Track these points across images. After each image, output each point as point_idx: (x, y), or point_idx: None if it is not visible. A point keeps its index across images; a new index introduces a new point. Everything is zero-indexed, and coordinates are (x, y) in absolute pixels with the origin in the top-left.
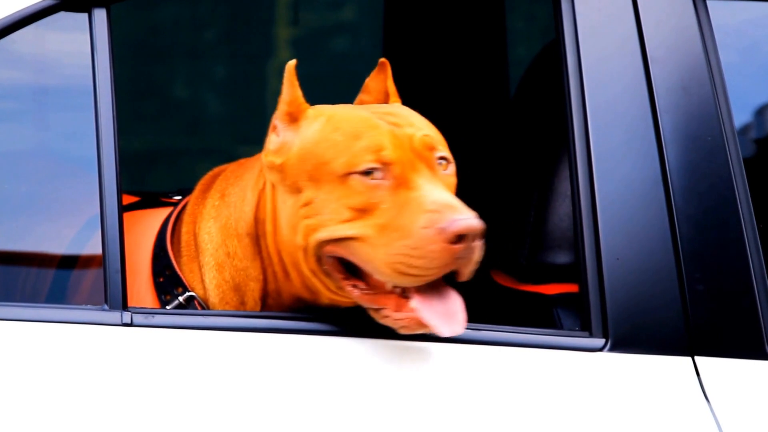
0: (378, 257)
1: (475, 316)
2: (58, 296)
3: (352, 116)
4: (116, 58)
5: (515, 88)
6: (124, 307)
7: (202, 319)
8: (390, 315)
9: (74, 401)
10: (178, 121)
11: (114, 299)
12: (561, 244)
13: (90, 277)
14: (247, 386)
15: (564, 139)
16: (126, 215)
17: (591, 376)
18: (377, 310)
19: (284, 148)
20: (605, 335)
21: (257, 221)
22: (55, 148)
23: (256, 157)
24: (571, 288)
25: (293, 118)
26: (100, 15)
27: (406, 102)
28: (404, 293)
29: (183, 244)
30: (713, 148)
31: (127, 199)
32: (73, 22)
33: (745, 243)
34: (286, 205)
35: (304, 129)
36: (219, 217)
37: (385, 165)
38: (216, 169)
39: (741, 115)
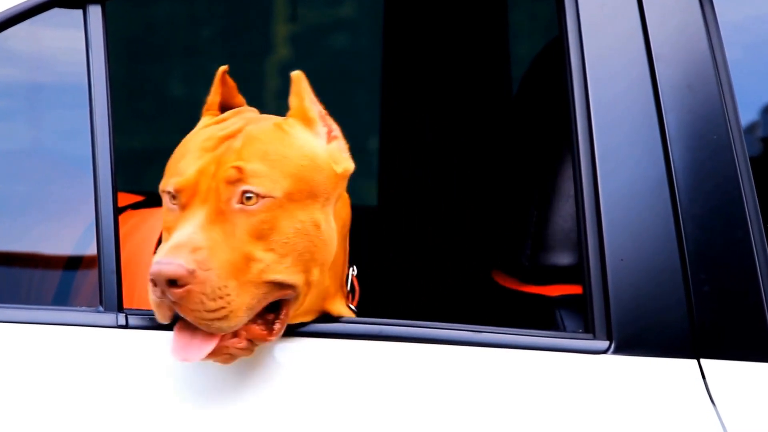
0: None
1: (476, 317)
2: (63, 299)
3: (196, 135)
4: (112, 56)
5: (517, 86)
6: (120, 308)
7: None
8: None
9: (68, 405)
10: (174, 120)
11: (109, 301)
12: (564, 245)
13: (92, 278)
14: (247, 390)
15: (567, 137)
16: (133, 213)
17: (594, 379)
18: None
19: None
20: (609, 337)
21: None
22: (49, 147)
23: None
24: (575, 289)
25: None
26: (95, 11)
27: (407, 100)
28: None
29: None
30: (719, 147)
31: (132, 199)
32: (67, 18)
33: (751, 243)
34: None
35: None
36: None
37: (177, 192)
38: None
39: (747, 114)
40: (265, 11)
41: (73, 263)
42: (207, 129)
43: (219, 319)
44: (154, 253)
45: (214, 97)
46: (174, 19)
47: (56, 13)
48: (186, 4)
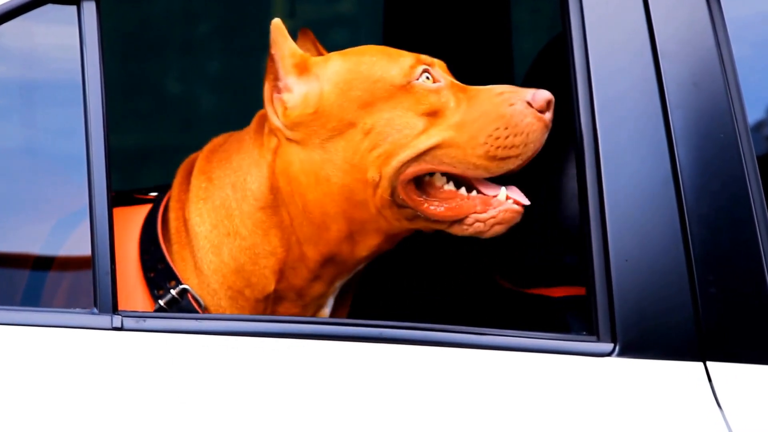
0: (469, 153)
1: (478, 319)
2: (33, 299)
3: (363, 47)
4: (106, 53)
5: (520, 83)
6: (115, 310)
7: (198, 323)
8: (479, 218)
9: (60, 411)
10: (170, 118)
11: (104, 302)
12: (567, 245)
13: (67, 280)
14: (247, 396)
15: (571, 136)
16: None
17: (598, 382)
18: (460, 221)
19: (309, 97)
20: (613, 340)
21: (275, 191)
22: (42, 145)
23: (236, 138)
24: (578, 291)
25: (302, 68)
26: (90, 7)
27: None
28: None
29: (173, 231)
30: (726, 146)
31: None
32: (61, 14)
33: (759, 244)
34: (334, 152)
35: (324, 70)
36: (210, 198)
37: (431, 67)
38: (192, 156)
39: (755, 112)
40: (263, 7)
41: (44, 264)
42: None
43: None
44: (138, 252)
45: (291, 42)
46: (170, 14)
47: (50, 9)
48: (182, 0)
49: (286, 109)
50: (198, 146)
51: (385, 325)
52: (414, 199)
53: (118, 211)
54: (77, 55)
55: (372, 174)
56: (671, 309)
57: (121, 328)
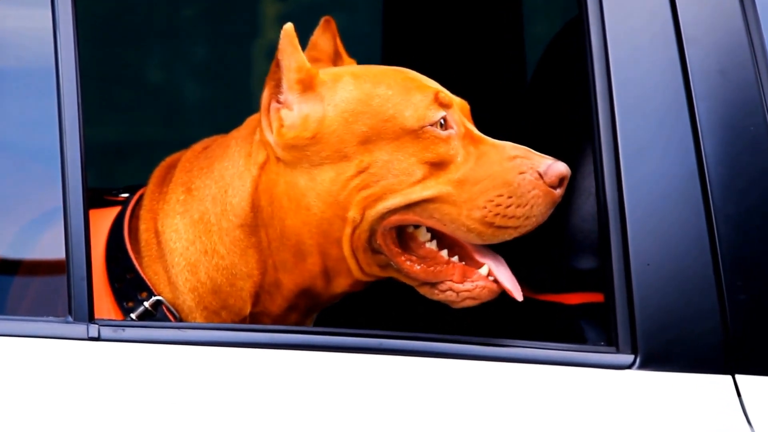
0: (464, 214)
1: (487, 328)
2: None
3: (380, 70)
4: (82, 38)
5: (533, 70)
6: (91, 319)
7: (179, 333)
8: (453, 287)
9: (32, 426)
10: (152, 109)
11: (79, 310)
12: (584, 248)
13: (35, 286)
14: (235, 411)
15: (587, 128)
16: None
17: (618, 396)
18: (434, 285)
19: (309, 120)
20: (634, 350)
21: (255, 209)
22: (11, 139)
23: (220, 143)
24: (596, 297)
25: (307, 86)
26: None
27: None
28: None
29: (143, 244)
30: (755, 139)
31: None
32: None
33: None
34: (320, 181)
35: (332, 93)
36: (188, 213)
37: (448, 110)
38: (168, 160)
39: None
40: None
41: (9, 268)
42: (375, 66)
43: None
44: (104, 259)
45: (301, 55)
46: None
47: None
48: None
49: (281, 126)
50: (181, 140)
51: (386, 335)
52: (391, 248)
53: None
54: (50, 40)
55: (353, 214)
56: (697, 317)
57: (97, 338)
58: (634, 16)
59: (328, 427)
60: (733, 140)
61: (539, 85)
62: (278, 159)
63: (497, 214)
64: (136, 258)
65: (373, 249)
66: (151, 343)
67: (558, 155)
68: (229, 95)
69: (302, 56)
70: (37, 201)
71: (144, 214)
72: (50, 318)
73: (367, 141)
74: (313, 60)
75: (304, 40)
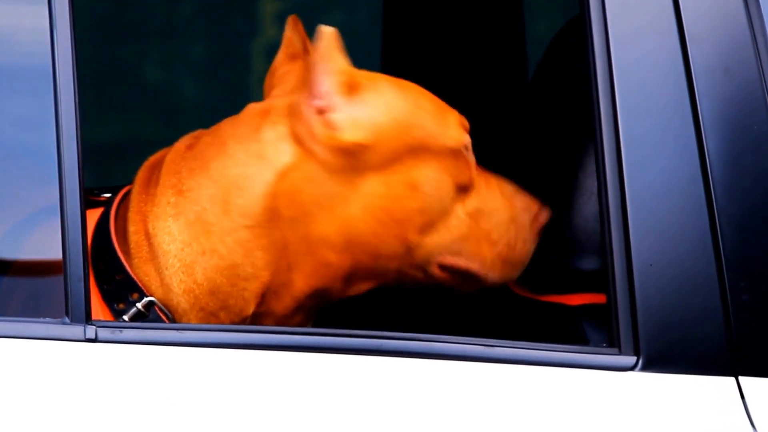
0: (485, 249)
1: (487, 329)
2: None
3: (411, 85)
4: (79, 36)
5: (534, 69)
6: (88, 320)
7: (178, 334)
8: None
9: (28, 428)
10: (150, 108)
11: (76, 311)
12: (586, 248)
13: (23, 285)
14: (234, 413)
15: (589, 127)
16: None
17: (619, 398)
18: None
19: (360, 125)
20: (636, 352)
21: (269, 212)
22: (6, 138)
23: (211, 142)
24: (598, 298)
25: (351, 89)
26: None
27: None
28: None
29: (132, 245)
30: (760, 138)
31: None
32: None
33: None
34: (369, 195)
35: (376, 99)
36: (181, 215)
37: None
38: (151, 159)
39: None
40: None
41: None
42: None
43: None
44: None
45: (343, 56)
46: None
47: None
48: None
49: (331, 129)
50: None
51: (386, 336)
52: (442, 276)
53: None
54: (47, 38)
55: (411, 236)
56: (700, 318)
57: (95, 340)
58: (637, 14)
59: (328, 430)
60: (737, 139)
61: (540, 84)
62: (318, 165)
63: (510, 248)
64: (126, 258)
65: (427, 273)
66: (150, 345)
67: (559, 154)
68: (227, 94)
69: (344, 59)
70: (33, 201)
71: (132, 216)
72: (47, 319)
73: (416, 155)
74: (292, 57)
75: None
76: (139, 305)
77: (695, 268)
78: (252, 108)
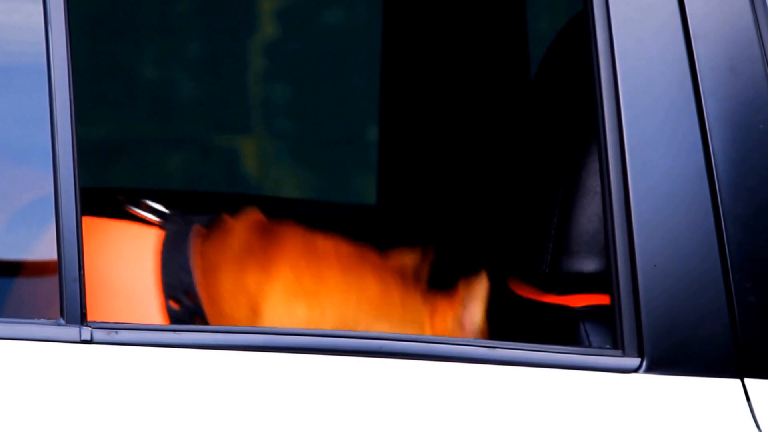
0: None
1: (490, 331)
2: None
3: None
4: (74, 33)
5: (536, 67)
6: (83, 321)
7: (174, 336)
8: None
9: (23, 430)
10: (145, 106)
11: (71, 312)
12: (589, 249)
13: (16, 285)
14: (232, 416)
15: (593, 127)
16: (103, 221)
17: (623, 401)
18: None
19: None
20: (640, 354)
21: None
22: (0, 135)
23: None
24: (601, 299)
25: None
26: None
27: (410, 84)
28: None
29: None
30: (765, 137)
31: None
32: None
33: None
34: None
35: None
36: None
37: None
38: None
39: None
40: None
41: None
42: None
43: None
44: (159, 275)
45: None
46: None
47: None
48: None
49: None
50: (176, 137)
51: (385, 338)
52: None
53: (127, 224)
54: (41, 35)
55: None
56: (705, 320)
57: (90, 341)
58: (641, 12)
59: (339, 427)
60: (742, 138)
61: (543, 82)
62: None
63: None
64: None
65: None
66: (146, 346)
67: (563, 154)
68: (224, 92)
69: None
70: (29, 200)
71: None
72: (41, 320)
73: None
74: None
75: (301, 37)
76: None
77: (700, 268)
78: None
